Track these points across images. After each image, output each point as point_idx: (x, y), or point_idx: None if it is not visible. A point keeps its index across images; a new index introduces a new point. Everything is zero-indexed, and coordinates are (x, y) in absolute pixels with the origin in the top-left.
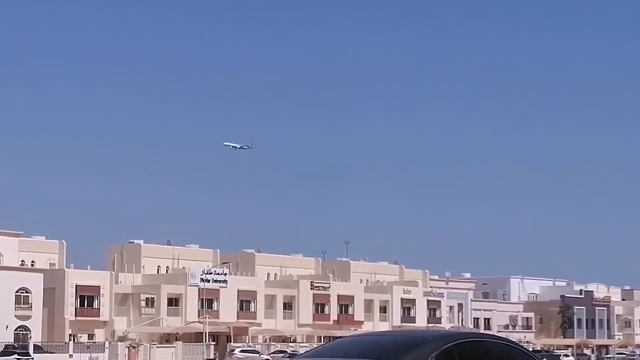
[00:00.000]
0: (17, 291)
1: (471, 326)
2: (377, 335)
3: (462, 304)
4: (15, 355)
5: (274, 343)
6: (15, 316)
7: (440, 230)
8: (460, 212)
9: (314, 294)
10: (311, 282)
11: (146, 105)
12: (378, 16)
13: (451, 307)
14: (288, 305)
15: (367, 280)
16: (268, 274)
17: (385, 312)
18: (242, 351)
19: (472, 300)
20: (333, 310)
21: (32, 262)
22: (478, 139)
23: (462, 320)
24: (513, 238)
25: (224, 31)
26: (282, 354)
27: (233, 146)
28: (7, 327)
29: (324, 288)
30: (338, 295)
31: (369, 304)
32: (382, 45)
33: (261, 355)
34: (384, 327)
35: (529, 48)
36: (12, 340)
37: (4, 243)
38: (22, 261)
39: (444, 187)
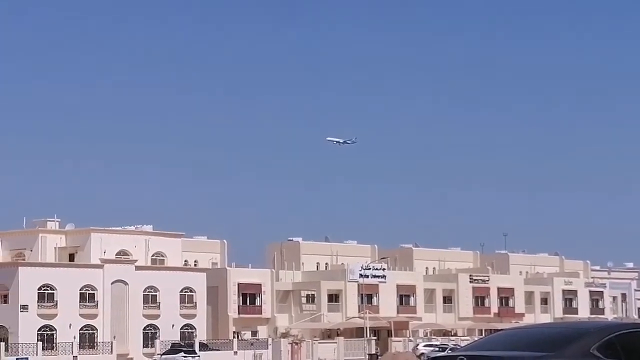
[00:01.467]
0: (181, 291)
1: (635, 316)
2: (537, 327)
3: (625, 294)
4: (182, 353)
5: (434, 337)
6: (181, 315)
7: (600, 220)
8: (620, 200)
9: (473, 287)
10: (470, 275)
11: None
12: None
13: (614, 298)
14: (448, 299)
15: (527, 272)
16: (426, 268)
17: (546, 304)
18: (425, 346)
19: (635, 290)
20: (493, 303)
21: (195, 262)
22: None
23: (626, 311)
24: None
25: (327, 25)
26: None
27: (336, 141)
28: (173, 325)
29: (483, 281)
30: (498, 288)
31: (529, 296)
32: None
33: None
34: (545, 319)
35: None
36: (179, 339)
37: (168, 244)
38: (185, 261)
39: (603, 176)
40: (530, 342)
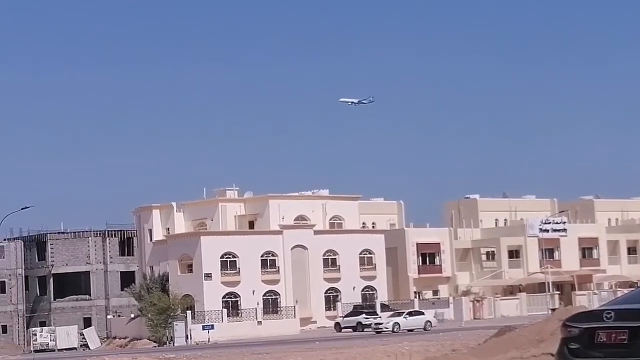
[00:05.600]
0: (360, 253)
1: None
2: None
3: None
4: (364, 315)
5: (620, 289)
6: (361, 277)
7: None
8: None
9: None
10: None
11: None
12: None
13: None
14: (632, 250)
15: None
16: (609, 219)
17: None
18: None
19: None
20: None
21: (373, 224)
22: None
23: None
24: None
25: None
26: None
27: (351, 102)
28: (354, 288)
29: None
30: None
31: None
32: None
33: None
34: None
35: None
36: (360, 301)
37: (345, 207)
38: (363, 224)
39: None
40: None
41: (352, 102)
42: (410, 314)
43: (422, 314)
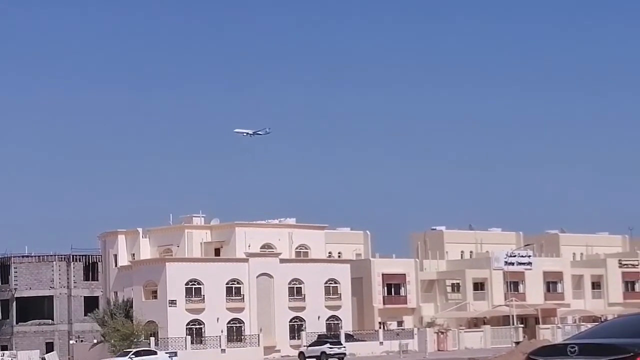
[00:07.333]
0: (326, 282)
1: None
2: None
3: None
4: (328, 345)
5: (583, 323)
6: (326, 306)
7: None
8: None
9: (622, 272)
10: (619, 260)
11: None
12: None
13: None
14: (596, 285)
15: None
16: (574, 253)
17: None
18: None
19: None
20: None
21: (339, 253)
22: None
23: None
24: None
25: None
26: None
27: (245, 133)
28: (319, 317)
29: (633, 266)
30: None
31: None
32: None
33: None
34: None
35: None
36: (325, 330)
37: (311, 236)
38: (329, 253)
39: None
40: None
41: (247, 133)
42: (137, 354)
43: (155, 353)
